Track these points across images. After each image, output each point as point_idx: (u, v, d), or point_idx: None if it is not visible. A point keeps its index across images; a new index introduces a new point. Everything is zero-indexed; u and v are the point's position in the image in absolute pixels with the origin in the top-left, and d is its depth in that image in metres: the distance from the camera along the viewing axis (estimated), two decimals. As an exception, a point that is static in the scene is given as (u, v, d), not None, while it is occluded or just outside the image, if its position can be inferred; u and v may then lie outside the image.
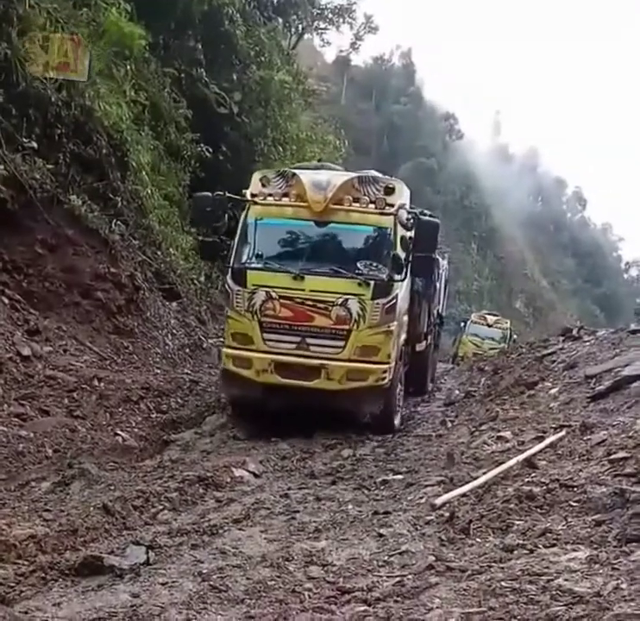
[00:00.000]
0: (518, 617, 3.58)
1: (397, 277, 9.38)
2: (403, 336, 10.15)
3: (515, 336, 29.46)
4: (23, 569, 4.72)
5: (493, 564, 4.29)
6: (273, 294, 9.25)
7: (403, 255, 9.48)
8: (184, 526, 5.64)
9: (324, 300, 9.18)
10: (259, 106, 22.58)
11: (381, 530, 5.26)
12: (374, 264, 9.44)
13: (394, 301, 9.36)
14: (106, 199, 14.16)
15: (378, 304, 9.22)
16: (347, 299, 9.17)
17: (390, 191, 9.62)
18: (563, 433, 6.81)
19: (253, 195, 9.83)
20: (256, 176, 10.13)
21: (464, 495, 5.52)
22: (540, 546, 4.43)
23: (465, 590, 4.03)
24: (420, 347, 12.21)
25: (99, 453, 8.13)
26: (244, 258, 9.73)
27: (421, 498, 5.95)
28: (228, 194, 9.90)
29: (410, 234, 9.58)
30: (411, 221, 9.45)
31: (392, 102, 76.82)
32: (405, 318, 10.29)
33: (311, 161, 14.37)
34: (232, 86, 21.31)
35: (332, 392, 9.11)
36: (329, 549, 4.98)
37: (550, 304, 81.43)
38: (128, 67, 15.86)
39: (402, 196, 9.94)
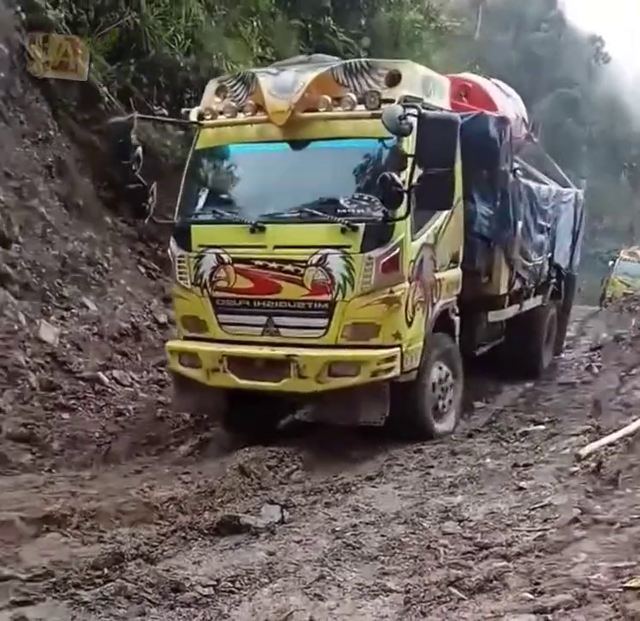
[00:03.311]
0: (672, 571, 3.29)
1: (395, 213, 6.14)
2: (440, 303, 6.95)
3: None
4: (165, 529, 4.85)
5: (644, 516, 3.99)
6: (225, 257, 6.54)
7: (401, 177, 6.03)
8: (317, 485, 5.65)
9: (294, 260, 6.30)
10: (388, 50, 21.90)
11: (521, 483, 5.03)
12: (365, 197, 6.35)
13: (397, 251, 6.23)
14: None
15: (370, 258, 6.18)
16: (325, 256, 6.24)
17: (394, 79, 6.36)
18: None
19: (200, 116, 6.98)
20: (210, 86, 7.20)
21: (612, 444, 5.21)
22: (696, 495, 4.08)
23: (613, 543, 3.76)
24: (496, 315, 8.43)
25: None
26: (190, 208, 7.03)
27: (565, 448, 5.67)
28: (143, 115, 7.35)
29: (411, 141, 6.13)
30: (408, 121, 5.93)
31: (531, 30, 72.86)
32: (445, 274, 7.04)
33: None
34: (360, 32, 20.82)
35: (309, 396, 6.49)
36: (466, 504, 4.81)
37: None
38: (255, 24, 15.76)
39: (414, 86, 6.47)
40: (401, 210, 6.12)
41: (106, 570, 4.10)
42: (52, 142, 10.70)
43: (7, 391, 7.36)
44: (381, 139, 6.29)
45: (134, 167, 6.59)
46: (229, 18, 14.81)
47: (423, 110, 6.04)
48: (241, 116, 6.75)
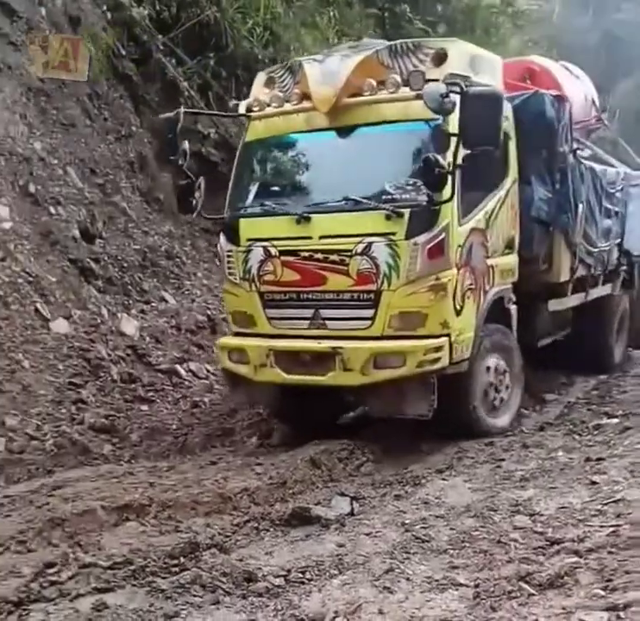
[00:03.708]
0: None
1: (439, 195, 5.90)
2: (494, 291, 6.63)
3: None
4: (238, 520, 4.96)
5: None
6: (272, 250, 6.44)
7: (445, 158, 5.81)
8: (387, 477, 5.68)
9: (339, 249, 6.14)
10: (464, 36, 21.57)
11: (594, 478, 4.94)
12: (411, 182, 6.07)
13: (442, 236, 5.99)
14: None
15: (415, 244, 5.94)
16: (370, 244, 6.05)
17: (441, 58, 6.13)
18: None
19: (248, 108, 6.89)
20: (259, 77, 7.10)
21: (688, 438, 5.08)
22: None
23: (689, 540, 3.69)
24: (558, 304, 7.97)
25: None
26: (238, 203, 6.94)
27: (639, 442, 5.55)
28: (191, 110, 7.35)
29: (455, 120, 5.84)
30: (450, 99, 5.68)
31: (611, 12, 70.19)
32: (499, 261, 6.71)
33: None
34: (436, 19, 20.53)
35: (356, 390, 6.33)
36: (537, 498, 4.75)
37: None
38: (331, 14, 15.74)
39: (461, 64, 6.20)
40: (445, 193, 5.87)
41: (182, 559, 4.23)
42: (134, 138, 11.02)
43: (89, 383, 7.64)
44: (427, 120, 6.03)
45: (180, 162, 6.62)
46: (305, 9, 14.81)
47: (465, 87, 5.71)
48: (288, 106, 6.61)
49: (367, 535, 4.51)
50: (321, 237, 6.23)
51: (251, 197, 6.89)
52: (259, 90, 6.96)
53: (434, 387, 6.03)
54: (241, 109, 6.99)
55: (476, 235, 6.36)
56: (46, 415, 6.88)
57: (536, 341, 7.68)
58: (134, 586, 3.94)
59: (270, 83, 6.89)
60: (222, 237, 6.98)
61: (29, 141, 9.20)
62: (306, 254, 6.27)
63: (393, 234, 6.00)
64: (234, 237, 6.71)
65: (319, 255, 6.22)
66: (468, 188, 6.12)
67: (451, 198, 5.91)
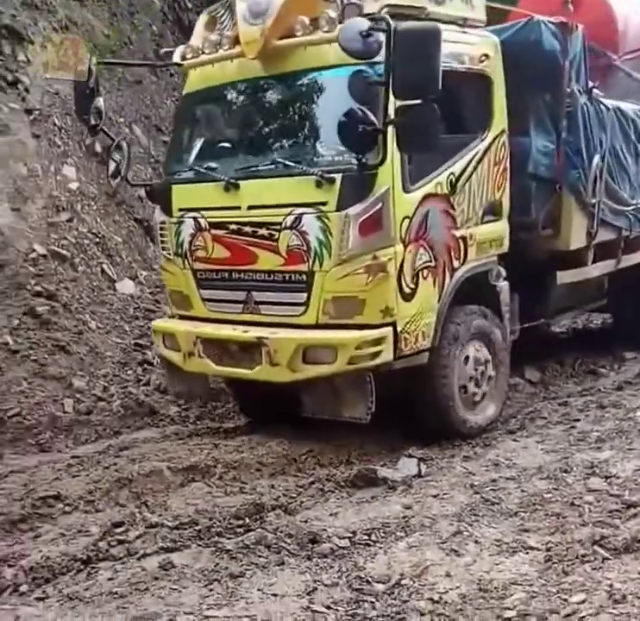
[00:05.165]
0: None
1: (368, 157, 4.84)
2: (467, 267, 5.53)
3: None
4: (303, 482, 4.93)
5: None
6: (202, 222, 5.57)
7: (375, 114, 4.71)
8: (455, 438, 5.54)
9: (267, 222, 5.20)
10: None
11: (674, 438, 4.76)
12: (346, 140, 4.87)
13: (379, 206, 4.94)
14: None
15: (347, 217, 4.93)
16: (300, 216, 5.08)
17: None
18: None
19: (183, 57, 5.88)
20: (201, 19, 6.03)
21: None
22: None
23: None
24: (569, 276, 6.63)
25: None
26: (173, 166, 6.11)
27: None
28: (108, 60, 6.66)
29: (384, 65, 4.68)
30: (375, 38, 4.55)
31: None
32: (476, 230, 5.60)
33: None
34: None
35: (286, 386, 5.31)
36: (614, 460, 4.60)
37: None
38: None
39: None
40: (376, 154, 4.83)
41: (247, 520, 4.23)
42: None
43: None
44: (369, 65, 4.85)
45: (93, 122, 5.74)
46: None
47: (392, 22, 4.54)
48: (221, 52, 5.58)
49: (434, 497, 4.42)
50: (249, 207, 5.31)
51: (184, 160, 5.99)
52: (199, 33, 5.91)
53: (371, 387, 5.05)
54: (176, 58, 5.97)
55: (434, 203, 5.29)
56: (112, 376, 6.96)
57: (549, 318, 6.77)
58: (199, 546, 3.96)
59: (211, 24, 5.84)
60: (157, 207, 6.17)
61: (96, 98, 9.20)
62: (235, 226, 5.38)
63: (324, 204, 5.01)
64: (166, 207, 5.86)
65: (248, 229, 5.31)
66: (421, 146, 4.97)
67: (384, 161, 4.87)
